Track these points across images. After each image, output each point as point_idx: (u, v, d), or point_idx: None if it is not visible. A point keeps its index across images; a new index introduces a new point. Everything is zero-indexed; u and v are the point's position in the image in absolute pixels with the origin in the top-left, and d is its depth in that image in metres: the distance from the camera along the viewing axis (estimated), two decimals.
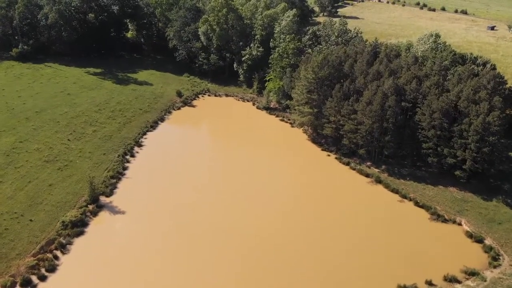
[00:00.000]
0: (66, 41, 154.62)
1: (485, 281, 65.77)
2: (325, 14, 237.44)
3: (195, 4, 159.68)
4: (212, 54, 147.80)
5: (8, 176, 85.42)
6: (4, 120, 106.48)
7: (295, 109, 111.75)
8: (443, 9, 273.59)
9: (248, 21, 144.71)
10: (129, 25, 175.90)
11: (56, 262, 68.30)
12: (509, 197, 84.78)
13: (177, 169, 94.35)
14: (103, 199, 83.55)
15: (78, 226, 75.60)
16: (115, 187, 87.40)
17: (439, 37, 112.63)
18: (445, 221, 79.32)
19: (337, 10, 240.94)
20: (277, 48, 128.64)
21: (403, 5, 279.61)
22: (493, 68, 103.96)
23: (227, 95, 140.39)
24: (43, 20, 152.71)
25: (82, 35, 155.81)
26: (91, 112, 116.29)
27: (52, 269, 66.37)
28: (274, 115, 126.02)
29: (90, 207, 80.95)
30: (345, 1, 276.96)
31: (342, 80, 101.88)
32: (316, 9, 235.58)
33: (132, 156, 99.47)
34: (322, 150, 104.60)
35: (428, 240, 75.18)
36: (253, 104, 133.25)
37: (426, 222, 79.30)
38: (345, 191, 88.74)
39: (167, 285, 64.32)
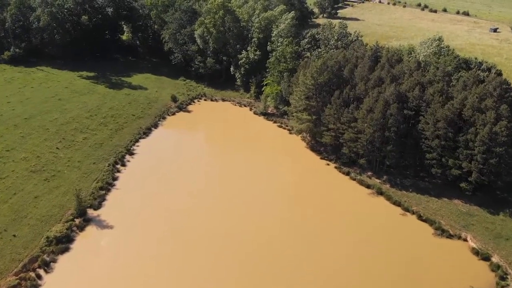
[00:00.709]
0: (59, 44, 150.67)
1: None
2: (324, 15, 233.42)
3: (191, 6, 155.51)
4: (208, 58, 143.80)
5: None
6: None
7: (293, 116, 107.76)
8: (445, 10, 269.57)
9: (245, 24, 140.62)
10: (124, 27, 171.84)
11: (39, 281, 65.07)
12: None
13: (170, 179, 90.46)
14: (90, 212, 79.81)
15: (63, 242, 71.98)
16: (104, 199, 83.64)
17: (442, 41, 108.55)
18: (450, 236, 75.38)
19: (337, 11, 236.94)
20: (275, 52, 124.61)
21: (404, 6, 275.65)
22: (499, 73, 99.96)
23: (223, 100, 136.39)
24: (36, 23, 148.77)
25: (76, 37, 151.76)
26: (82, 119, 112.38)
27: None
28: (271, 121, 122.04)
29: (77, 221, 77.31)
30: (345, 2, 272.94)
31: (342, 86, 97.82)
32: (316, 10, 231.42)
33: (123, 165, 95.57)
34: (321, 158, 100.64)
35: (432, 257, 71.29)
36: (250, 109, 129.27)
37: (430, 238, 75.33)
38: (345, 203, 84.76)
39: None
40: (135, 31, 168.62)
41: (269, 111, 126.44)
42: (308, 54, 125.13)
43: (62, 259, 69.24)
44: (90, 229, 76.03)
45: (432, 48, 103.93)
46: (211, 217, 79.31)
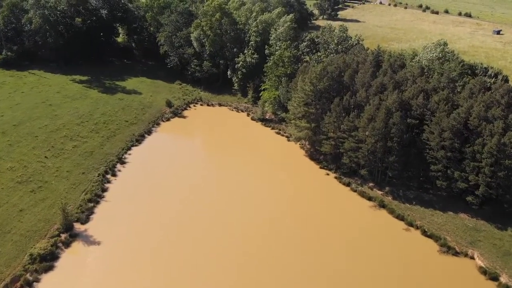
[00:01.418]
0: (52, 47, 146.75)
1: None
2: (324, 17, 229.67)
3: (187, 8, 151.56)
4: (205, 61, 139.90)
5: None
6: None
7: (291, 123, 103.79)
8: (447, 11, 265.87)
9: (242, 26, 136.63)
10: (120, 30, 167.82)
11: None
12: None
13: (162, 190, 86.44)
14: (77, 226, 75.86)
15: (47, 260, 68.03)
16: (92, 212, 79.64)
17: (447, 45, 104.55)
18: (456, 254, 71.32)
19: (337, 13, 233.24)
20: (272, 56, 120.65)
21: (405, 8, 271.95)
22: (506, 80, 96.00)
23: (220, 105, 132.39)
24: (28, 25, 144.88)
25: (69, 40, 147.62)
26: (73, 125, 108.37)
27: None
28: (269, 127, 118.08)
29: (63, 236, 73.39)
30: (345, 3, 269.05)
31: (342, 93, 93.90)
32: (316, 12, 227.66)
33: (114, 175, 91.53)
34: (321, 167, 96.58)
35: (438, 276, 67.33)
36: (248, 115, 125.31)
37: (435, 255, 71.28)
38: (345, 216, 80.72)
39: None
40: (131, 33, 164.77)
41: (267, 117, 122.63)
42: (307, 58, 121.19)
43: (46, 278, 65.28)
44: (76, 245, 72.02)
45: (436, 53, 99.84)
46: (206, 231, 75.43)
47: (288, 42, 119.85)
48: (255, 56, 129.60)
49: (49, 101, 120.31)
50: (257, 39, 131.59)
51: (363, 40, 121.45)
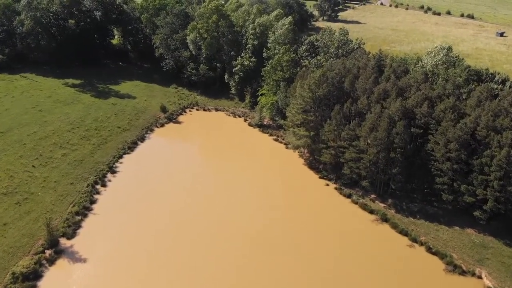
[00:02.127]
0: (44, 49, 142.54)
1: None
2: (324, 18, 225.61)
3: (183, 9, 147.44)
4: (201, 64, 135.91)
5: None
6: None
7: (289, 130, 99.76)
8: (449, 13, 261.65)
9: (240, 29, 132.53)
10: (115, 31, 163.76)
11: None
12: None
13: (153, 203, 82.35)
14: (63, 242, 71.99)
15: (30, 280, 64.32)
16: (79, 226, 75.67)
17: (451, 49, 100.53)
18: (463, 273, 67.29)
19: (338, 14, 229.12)
20: (271, 60, 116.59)
21: (407, 9, 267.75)
22: None
23: (217, 110, 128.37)
24: (19, 27, 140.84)
25: (62, 42, 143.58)
26: (63, 132, 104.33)
27: None
28: (267, 133, 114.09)
29: (47, 253, 69.54)
30: (345, 4, 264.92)
31: (342, 100, 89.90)
32: (316, 13, 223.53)
33: (104, 185, 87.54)
34: (320, 177, 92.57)
35: None
36: (245, 120, 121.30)
37: (441, 274, 67.24)
38: (346, 231, 76.61)
39: None
40: (126, 35, 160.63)
41: (264, 123, 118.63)
42: (307, 62, 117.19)
43: None
44: (61, 263, 68.10)
45: (440, 58, 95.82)
46: (200, 246, 71.46)
47: (287, 46, 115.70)
48: (253, 59, 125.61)
49: (39, 106, 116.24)
50: (254, 42, 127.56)
51: (364, 43, 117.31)
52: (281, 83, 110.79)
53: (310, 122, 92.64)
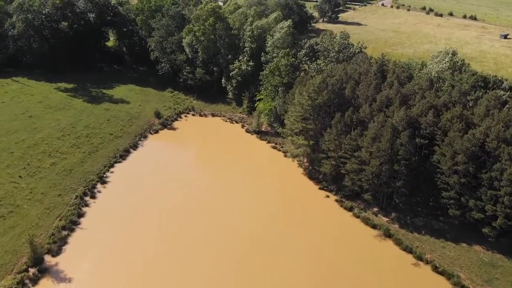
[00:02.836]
0: (36, 52, 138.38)
1: None
2: (325, 19, 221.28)
3: (179, 11, 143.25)
4: (198, 68, 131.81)
5: None
6: None
7: (287, 138, 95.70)
8: (451, 14, 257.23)
9: (236, 32, 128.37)
10: (110, 33, 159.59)
11: None
12: None
13: (144, 216, 78.37)
14: (48, 259, 68.27)
15: None
16: (65, 242, 71.80)
17: (456, 54, 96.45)
18: None
19: (338, 15, 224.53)
20: (269, 64, 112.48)
21: (408, 10, 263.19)
22: None
23: (213, 115, 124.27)
24: (11, 30, 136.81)
25: (54, 45, 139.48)
26: (53, 139, 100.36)
27: None
28: (265, 140, 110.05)
29: (31, 271, 65.98)
30: (346, 5, 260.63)
31: (343, 107, 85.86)
32: (316, 14, 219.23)
33: (93, 197, 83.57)
34: (320, 188, 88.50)
35: None
36: (242, 127, 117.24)
37: None
38: (347, 247, 72.54)
39: None
40: (121, 37, 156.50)
41: (262, 129, 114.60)
42: (306, 66, 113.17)
43: None
44: (45, 283, 64.36)
45: (445, 63, 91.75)
46: (193, 267, 67.37)
47: (287, 50, 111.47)
48: (251, 63, 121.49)
49: (29, 112, 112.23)
50: (252, 45, 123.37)
51: (365, 47, 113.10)
52: (280, 88, 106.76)
53: (310, 130, 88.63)
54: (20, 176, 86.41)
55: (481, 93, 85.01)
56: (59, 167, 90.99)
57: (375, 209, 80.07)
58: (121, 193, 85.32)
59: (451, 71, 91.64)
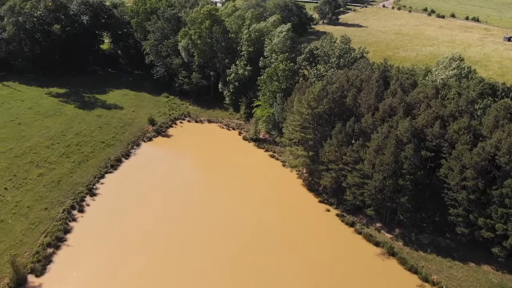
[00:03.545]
0: (28, 56, 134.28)
1: None
2: (325, 21, 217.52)
3: (175, 13, 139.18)
4: (194, 72, 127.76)
5: None
6: None
7: (286, 148, 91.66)
8: (453, 15, 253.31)
9: (234, 35, 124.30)
10: (105, 36, 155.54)
11: None
12: None
13: (135, 232, 74.15)
14: (31, 280, 64.32)
15: None
16: (50, 261, 67.70)
17: (463, 60, 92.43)
18: None
19: (338, 17, 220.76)
20: (267, 69, 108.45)
21: (410, 11, 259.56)
22: None
23: (209, 121, 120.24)
24: (1, 33, 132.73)
25: (47, 49, 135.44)
26: (41, 148, 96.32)
27: None
28: (263, 148, 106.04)
29: None
30: (347, 6, 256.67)
31: (344, 116, 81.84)
32: (316, 16, 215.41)
33: (81, 210, 79.43)
34: (320, 201, 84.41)
35: None
36: (240, 134, 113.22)
37: None
38: (349, 266, 68.43)
39: None
40: (116, 40, 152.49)
41: (260, 136, 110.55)
42: (306, 71, 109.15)
43: None
44: None
45: (451, 70, 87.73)
46: (187, 283, 63.44)
47: (286, 54, 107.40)
48: (248, 68, 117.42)
49: (18, 119, 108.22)
50: (250, 49, 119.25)
51: (367, 52, 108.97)
52: (278, 94, 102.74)
53: (309, 140, 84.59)
54: (5, 188, 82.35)
55: (489, 101, 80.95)
56: (46, 178, 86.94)
57: (378, 224, 76.03)
58: (111, 206, 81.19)
59: (457, 78, 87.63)
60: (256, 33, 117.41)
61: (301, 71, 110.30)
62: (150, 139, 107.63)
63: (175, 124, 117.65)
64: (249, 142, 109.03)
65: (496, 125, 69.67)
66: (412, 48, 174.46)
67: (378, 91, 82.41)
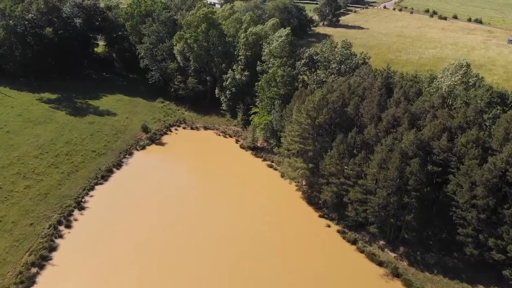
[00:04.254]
0: (19, 60, 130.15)
1: None
2: (325, 23, 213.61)
3: (171, 16, 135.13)
4: (190, 77, 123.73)
5: None
6: None
7: (284, 159, 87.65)
8: (455, 17, 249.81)
9: (231, 39, 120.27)
10: (99, 39, 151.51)
11: None
12: None
13: (125, 248, 70.12)
14: None
15: None
16: (33, 282, 63.76)
17: (469, 66, 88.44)
18: None
19: (339, 18, 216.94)
20: (265, 74, 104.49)
21: (411, 13, 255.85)
22: None
23: (206, 128, 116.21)
24: None
25: (39, 52, 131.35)
26: (29, 158, 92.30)
27: None
28: (260, 157, 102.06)
29: None
30: (347, 7, 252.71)
31: (346, 126, 77.80)
32: (316, 17, 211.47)
33: (68, 226, 75.37)
34: (320, 216, 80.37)
35: None
36: (237, 141, 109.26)
37: None
38: None
39: None
40: (111, 43, 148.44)
41: (258, 145, 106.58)
42: (305, 77, 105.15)
43: None
44: None
45: (458, 77, 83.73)
46: None
47: (284, 59, 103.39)
48: (246, 73, 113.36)
49: (7, 127, 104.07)
50: (247, 53, 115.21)
51: (369, 57, 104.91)
52: (276, 101, 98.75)
53: (309, 151, 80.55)
54: None
55: (498, 111, 76.98)
56: (33, 190, 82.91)
57: (382, 242, 72.03)
58: (101, 219, 77.20)
59: (464, 86, 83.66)
60: (253, 37, 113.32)
61: (301, 77, 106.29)
62: (143, 148, 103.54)
63: (170, 131, 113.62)
64: (246, 150, 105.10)
65: (506, 137, 65.62)
66: (415, 51, 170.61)
67: (381, 100, 78.40)
